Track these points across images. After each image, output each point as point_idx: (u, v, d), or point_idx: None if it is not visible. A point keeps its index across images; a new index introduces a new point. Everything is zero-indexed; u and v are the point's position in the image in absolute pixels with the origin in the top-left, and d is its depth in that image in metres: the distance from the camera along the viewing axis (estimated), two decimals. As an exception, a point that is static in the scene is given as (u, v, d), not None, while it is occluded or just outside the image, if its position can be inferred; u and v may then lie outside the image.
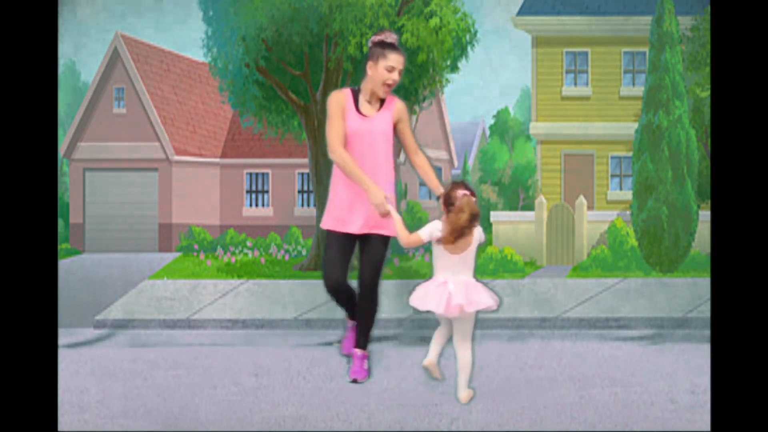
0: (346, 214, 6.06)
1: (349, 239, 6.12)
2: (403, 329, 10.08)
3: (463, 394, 5.48)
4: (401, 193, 29.27)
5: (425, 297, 5.56)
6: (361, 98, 6.12)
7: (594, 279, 12.19)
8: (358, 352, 6.26)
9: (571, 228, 20.85)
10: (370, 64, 6.00)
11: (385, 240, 6.14)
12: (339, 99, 6.10)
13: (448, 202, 5.56)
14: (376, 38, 6.05)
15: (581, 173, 27.91)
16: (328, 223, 6.10)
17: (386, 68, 5.95)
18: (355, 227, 6.07)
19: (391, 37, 6.04)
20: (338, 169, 6.11)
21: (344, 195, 6.07)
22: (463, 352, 5.53)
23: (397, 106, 6.18)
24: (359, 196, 6.02)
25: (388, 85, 6.00)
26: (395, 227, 5.79)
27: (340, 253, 6.09)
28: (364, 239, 6.15)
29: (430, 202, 34.13)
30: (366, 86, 6.09)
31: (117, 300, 11.39)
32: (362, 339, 6.25)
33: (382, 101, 6.15)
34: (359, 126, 6.06)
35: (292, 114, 18.40)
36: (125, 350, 8.39)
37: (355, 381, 6.16)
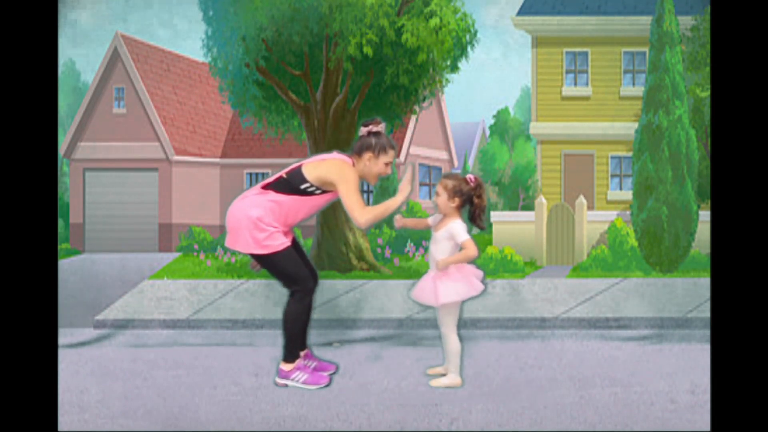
0: (287, 233, 6.26)
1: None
2: (403, 329, 10.08)
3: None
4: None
5: (462, 286, 5.85)
6: None
7: (594, 279, 12.18)
8: (311, 361, 6.40)
9: (571, 228, 20.85)
10: (369, 155, 6.19)
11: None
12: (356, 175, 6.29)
13: (459, 191, 5.92)
14: (374, 128, 6.26)
15: (581, 173, 27.91)
16: (282, 244, 6.18)
17: (386, 163, 6.23)
18: (289, 239, 6.32)
19: (383, 128, 6.32)
20: (281, 206, 6.17)
21: (280, 220, 6.20)
22: None
23: None
24: (284, 218, 6.24)
25: (379, 177, 6.27)
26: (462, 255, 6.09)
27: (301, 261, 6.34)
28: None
29: (430, 202, 34.13)
30: (358, 170, 6.23)
31: (117, 300, 11.39)
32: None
33: None
34: (329, 200, 6.32)
35: (292, 114, 18.39)
36: (125, 350, 8.39)
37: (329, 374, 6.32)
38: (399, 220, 6.25)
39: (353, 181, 6.08)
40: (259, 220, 6.08)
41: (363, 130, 6.26)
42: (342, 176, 6.07)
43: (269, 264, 6.18)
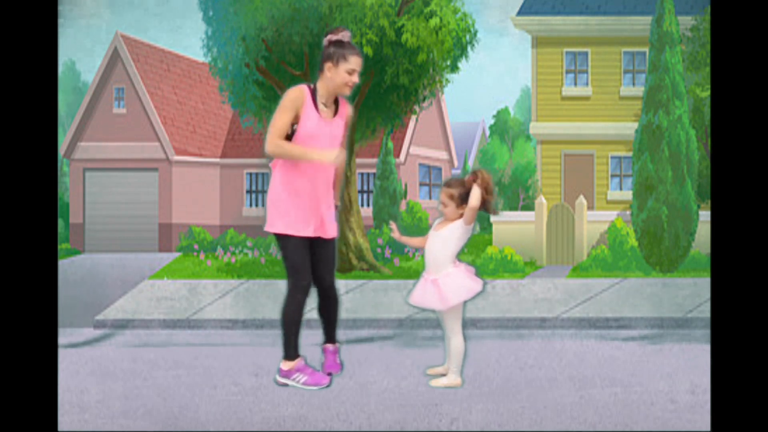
0: (301, 218, 5.99)
1: (306, 242, 6.05)
2: (403, 329, 10.08)
3: None
4: (401, 193, 29.22)
5: (465, 285, 5.84)
6: (319, 99, 6.00)
7: (594, 279, 12.18)
8: (330, 347, 6.36)
9: (571, 228, 20.85)
10: (329, 65, 5.91)
11: (333, 241, 6.19)
12: (297, 96, 5.92)
13: (466, 197, 5.85)
14: (333, 37, 5.97)
15: (581, 173, 27.91)
16: (284, 227, 5.96)
17: (347, 71, 5.91)
18: (309, 231, 6.02)
19: (347, 36, 5.99)
20: (283, 172, 5.98)
21: (297, 200, 5.98)
22: None
23: (349, 113, 6.15)
24: (310, 199, 6.00)
25: (349, 87, 5.95)
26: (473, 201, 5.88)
27: (308, 256, 6.03)
28: (315, 241, 6.13)
29: (430, 202, 34.12)
30: (323, 87, 5.98)
31: (117, 300, 11.39)
32: (333, 334, 6.38)
33: (336, 105, 6.09)
34: (320, 128, 5.97)
35: (292, 114, 18.39)
36: (125, 350, 8.39)
37: (330, 374, 6.28)
38: (397, 235, 6.21)
39: (284, 106, 5.82)
40: (275, 195, 5.95)
41: (325, 41, 5.98)
42: (280, 102, 5.88)
43: (278, 246, 6.07)
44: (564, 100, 27.93)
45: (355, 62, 5.93)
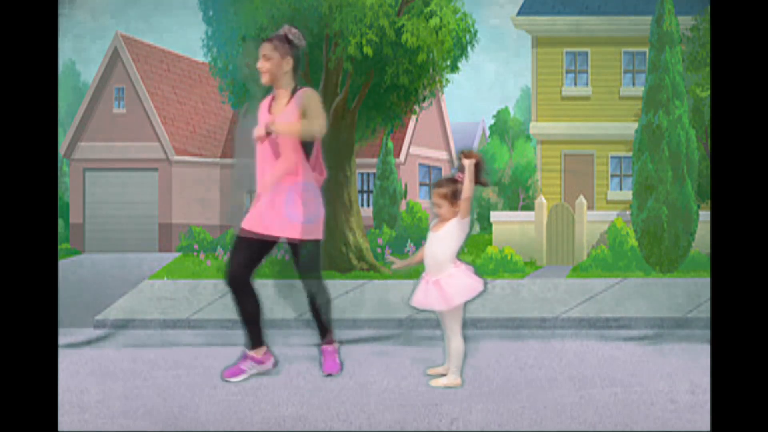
0: (258, 215, 6.17)
1: (243, 240, 6.16)
2: (403, 329, 10.08)
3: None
4: (401, 193, 29.21)
5: (468, 284, 5.85)
6: (276, 99, 6.24)
7: (594, 279, 12.18)
8: (329, 347, 6.38)
9: (571, 228, 20.86)
10: None
11: (311, 243, 6.30)
12: (260, 105, 6.29)
13: (458, 193, 5.81)
14: None
15: (581, 173, 27.91)
16: (244, 222, 6.16)
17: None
18: (247, 224, 6.17)
19: (285, 29, 6.21)
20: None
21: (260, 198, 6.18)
22: None
23: (300, 95, 6.18)
24: (272, 200, 6.14)
25: (262, 73, 6.13)
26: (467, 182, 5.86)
27: (239, 252, 6.13)
28: (291, 244, 6.29)
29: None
30: None
31: (117, 300, 11.38)
32: (328, 333, 6.42)
33: (291, 96, 6.19)
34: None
35: (292, 114, 18.39)
36: (125, 350, 8.39)
37: (330, 375, 6.31)
38: (398, 264, 6.21)
39: None
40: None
41: None
42: None
43: None
44: (564, 100, 27.94)
45: (260, 49, 6.15)
